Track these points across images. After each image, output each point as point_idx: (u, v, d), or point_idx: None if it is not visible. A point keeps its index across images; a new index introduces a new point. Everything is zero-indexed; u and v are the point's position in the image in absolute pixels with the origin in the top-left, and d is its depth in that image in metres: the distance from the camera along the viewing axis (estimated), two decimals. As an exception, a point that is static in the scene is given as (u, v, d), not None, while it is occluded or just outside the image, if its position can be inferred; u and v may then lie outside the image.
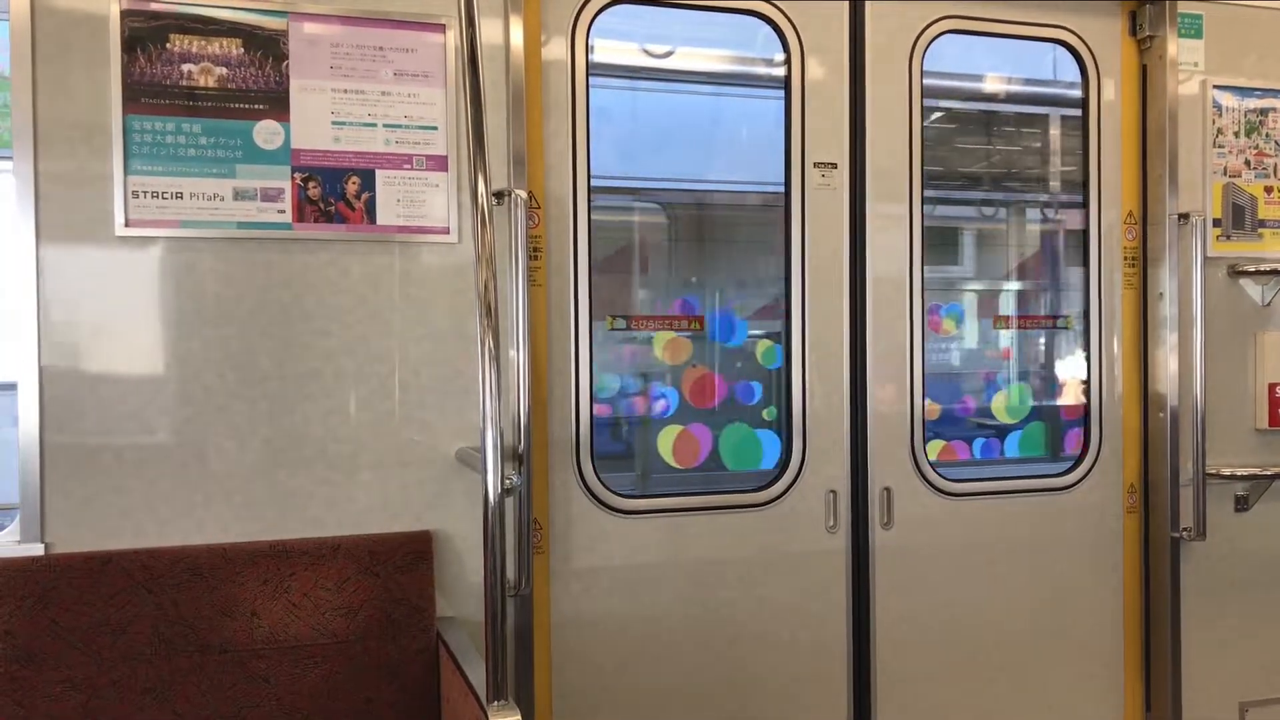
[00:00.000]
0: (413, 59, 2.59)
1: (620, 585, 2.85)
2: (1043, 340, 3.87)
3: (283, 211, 2.49)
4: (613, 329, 3.08)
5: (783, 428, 3.07)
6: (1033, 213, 4.25)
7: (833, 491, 3.04)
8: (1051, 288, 3.98)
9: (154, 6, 2.40)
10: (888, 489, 3.08)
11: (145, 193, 2.40)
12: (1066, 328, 3.52)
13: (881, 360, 3.08)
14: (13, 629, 2.24)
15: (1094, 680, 3.31)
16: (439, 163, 2.61)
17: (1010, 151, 4.24)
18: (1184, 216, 3.24)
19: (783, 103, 3.04)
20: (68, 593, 2.28)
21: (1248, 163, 3.38)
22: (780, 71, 3.05)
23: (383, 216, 2.56)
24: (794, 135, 3.02)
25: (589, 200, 2.82)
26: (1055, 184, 4.08)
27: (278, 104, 2.49)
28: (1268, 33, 3.40)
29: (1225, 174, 3.35)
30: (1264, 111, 3.39)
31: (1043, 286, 4.10)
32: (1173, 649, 3.27)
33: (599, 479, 2.83)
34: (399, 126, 2.58)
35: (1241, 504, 3.38)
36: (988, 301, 4.26)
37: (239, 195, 2.46)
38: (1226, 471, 3.29)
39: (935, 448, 3.40)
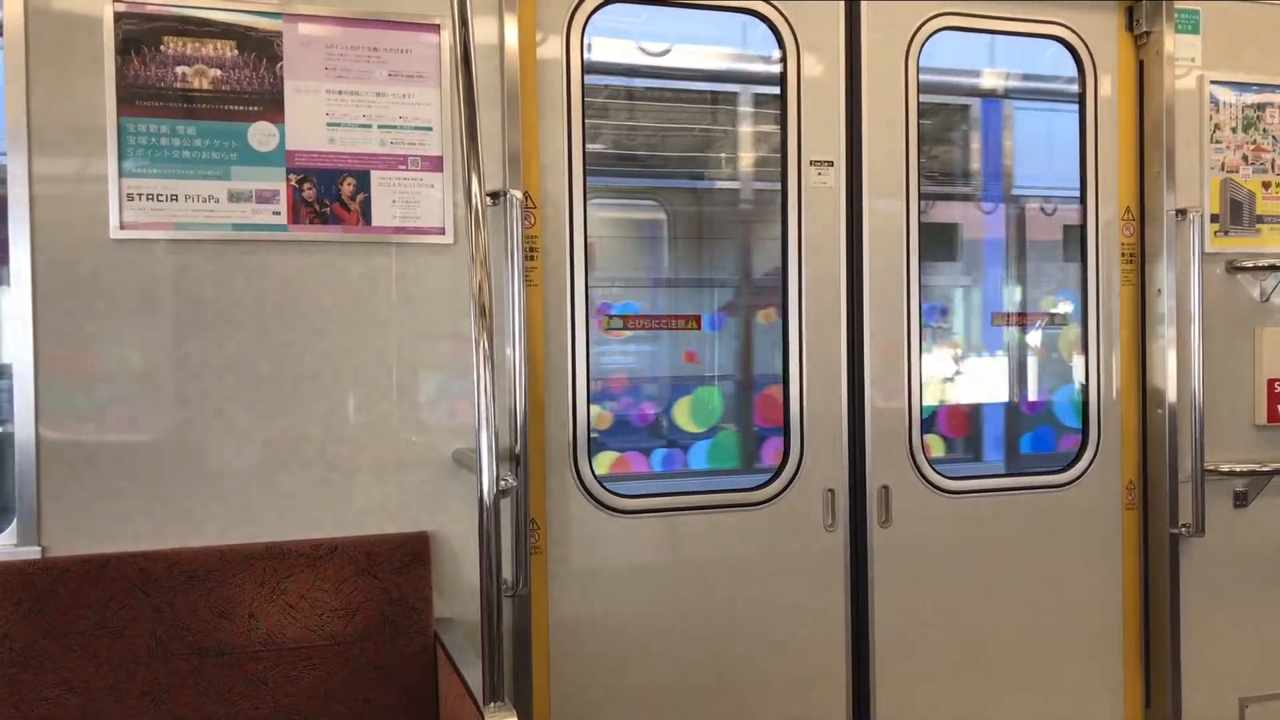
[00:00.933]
0: (407, 59, 2.59)
1: (618, 585, 2.85)
2: (738, 340, 3.75)
3: (278, 213, 2.49)
4: (608, 329, 3.09)
5: (781, 427, 3.07)
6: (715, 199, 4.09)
7: (830, 490, 3.03)
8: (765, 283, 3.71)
9: (148, 9, 2.40)
10: (886, 487, 3.08)
11: (140, 195, 2.40)
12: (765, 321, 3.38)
13: (879, 359, 3.08)
14: (10, 632, 2.24)
15: (1093, 677, 3.31)
16: (434, 163, 2.61)
17: (683, 133, 4.03)
18: (1182, 212, 3.24)
19: (779, 101, 3.04)
20: (65, 596, 2.28)
21: (1245, 158, 3.37)
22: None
23: (378, 217, 2.56)
24: (790, 133, 3.01)
25: (585, 200, 2.82)
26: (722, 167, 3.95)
27: (272, 105, 2.48)
28: (1265, 27, 3.39)
29: (1223, 169, 3.35)
30: (1261, 106, 3.39)
31: (744, 278, 3.93)
32: (1172, 645, 3.27)
33: (596, 479, 2.82)
34: (394, 127, 2.58)
35: (1240, 500, 3.37)
36: (676, 298, 4.11)
37: (234, 197, 2.46)
38: (1225, 467, 3.29)
39: (604, 460, 3.30)
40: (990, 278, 4.26)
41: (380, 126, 2.57)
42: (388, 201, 2.57)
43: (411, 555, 2.52)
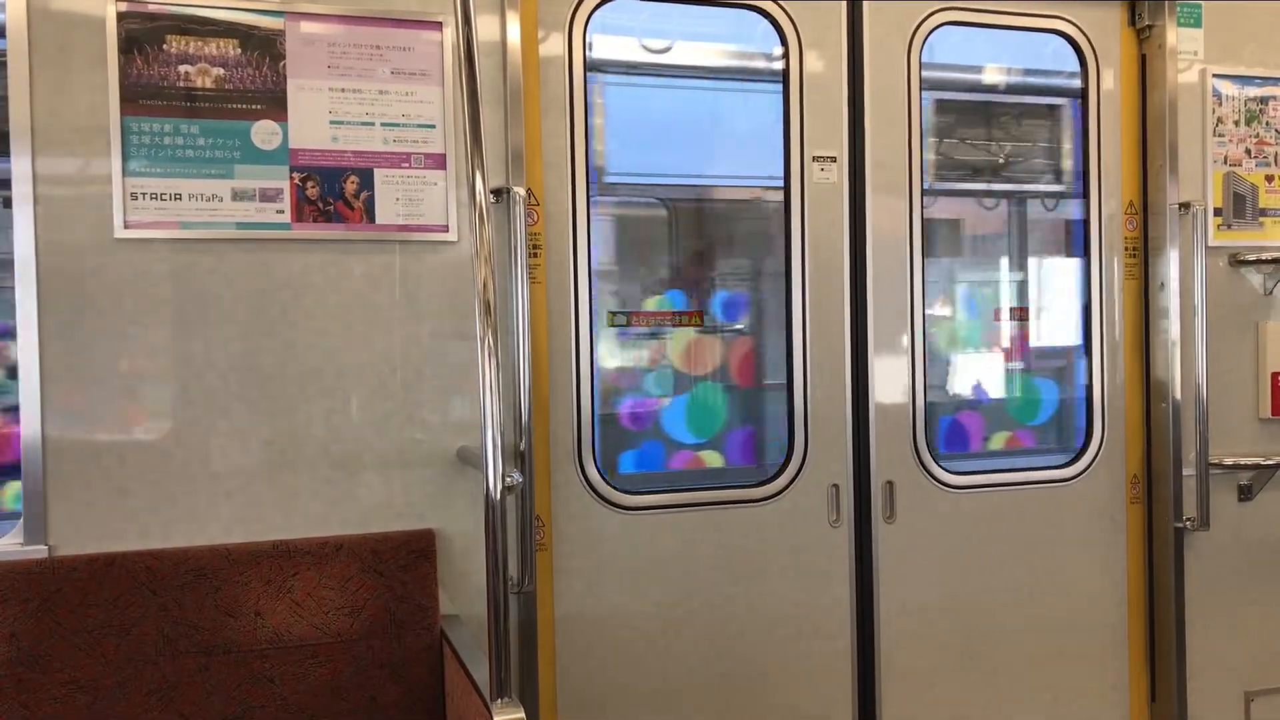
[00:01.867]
0: (410, 57, 2.59)
1: (623, 581, 2.86)
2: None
3: (281, 212, 2.49)
4: (612, 325, 3.09)
5: (785, 422, 3.07)
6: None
7: (835, 485, 3.04)
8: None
9: (150, 8, 2.40)
10: (890, 482, 3.08)
11: (144, 194, 2.40)
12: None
13: (883, 354, 3.08)
14: (17, 632, 2.25)
15: (1098, 671, 3.31)
16: (437, 161, 2.61)
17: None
18: (1185, 206, 3.24)
19: (781, 96, 3.04)
20: (72, 595, 2.28)
21: (1248, 151, 3.37)
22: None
23: (382, 215, 2.56)
24: (793, 128, 3.01)
25: (588, 197, 2.82)
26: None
27: (275, 104, 2.48)
28: (1267, 21, 3.39)
29: (1226, 163, 3.35)
30: (1264, 100, 3.38)
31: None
32: (1177, 639, 3.27)
33: (601, 475, 2.83)
34: (397, 125, 2.58)
35: (1245, 493, 3.37)
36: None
37: (238, 196, 2.46)
38: (1230, 461, 3.29)
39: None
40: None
41: (383, 124, 2.57)
42: (391, 199, 2.57)
43: (417, 553, 2.52)
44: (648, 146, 3.48)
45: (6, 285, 2.37)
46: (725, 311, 3.44)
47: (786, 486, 3.00)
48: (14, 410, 2.38)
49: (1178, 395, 3.23)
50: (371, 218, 2.56)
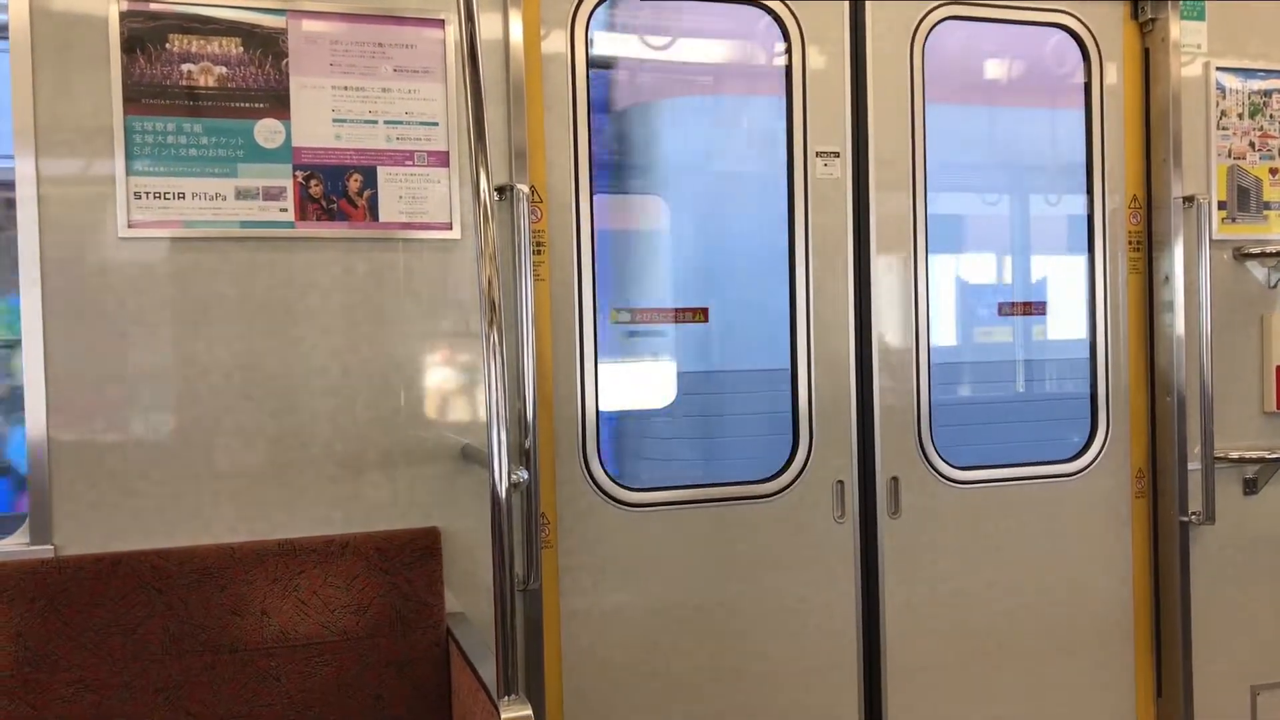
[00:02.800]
0: (412, 55, 2.58)
1: (629, 578, 2.85)
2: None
3: (285, 210, 2.49)
4: (616, 322, 3.09)
5: (790, 418, 3.06)
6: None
7: (840, 481, 3.03)
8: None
9: (153, 7, 2.40)
10: (895, 478, 3.08)
11: (147, 193, 2.40)
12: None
13: (887, 349, 3.08)
14: (23, 631, 2.25)
15: (1104, 665, 3.31)
16: (440, 158, 2.61)
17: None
18: (1189, 199, 3.23)
19: (784, 92, 3.04)
20: (78, 594, 2.28)
21: (1252, 145, 3.36)
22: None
23: (385, 213, 2.56)
24: (796, 124, 3.01)
25: (591, 194, 2.81)
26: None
27: (278, 102, 2.48)
28: (1271, 14, 3.38)
29: (1229, 156, 3.34)
30: (1268, 93, 3.38)
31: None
32: (1183, 633, 3.26)
33: (606, 473, 2.82)
34: (400, 123, 2.58)
35: (1250, 487, 3.37)
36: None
37: (241, 194, 2.46)
38: (1235, 455, 3.28)
39: None
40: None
41: (386, 122, 2.57)
42: (394, 197, 2.57)
43: (422, 551, 2.52)
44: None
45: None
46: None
47: (792, 483, 3.00)
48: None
49: (1182, 389, 3.22)
50: (375, 216, 2.55)
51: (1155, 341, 3.31)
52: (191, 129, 2.43)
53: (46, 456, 2.34)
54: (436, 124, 2.61)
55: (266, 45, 2.47)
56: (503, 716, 1.92)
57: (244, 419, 2.46)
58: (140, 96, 2.39)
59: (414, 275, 2.59)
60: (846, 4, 3.05)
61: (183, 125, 2.42)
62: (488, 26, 2.61)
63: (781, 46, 3.03)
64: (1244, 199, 3.36)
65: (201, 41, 2.43)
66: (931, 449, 3.11)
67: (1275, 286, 3.37)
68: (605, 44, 3.31)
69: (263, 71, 2.47)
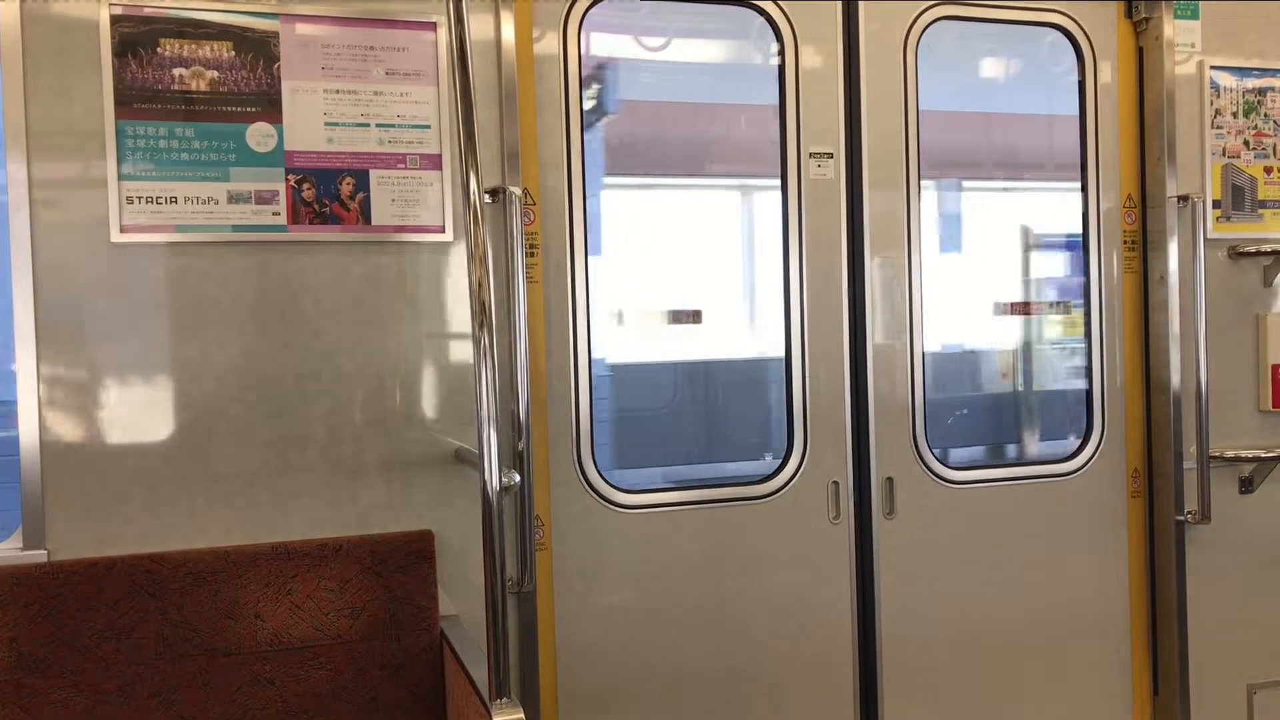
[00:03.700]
0: (404, 58, 2.58)
1: (623, 580, 2.85)
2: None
3: (277, 214, 2.49)
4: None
5: (784, 419, 3.06)
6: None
7: (835, 482, 3.03)
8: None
9: (145, 11, 2.40)
10: (890, 479, 3.08)
11: (140, 198, 2.40)
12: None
13: (881, 349, 3.08)
14: (17, 636, 2.25)
15: (1101, 665, 3.31)
16: (433, 161, 2.61)
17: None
18: (1183, 199, 3.23)
19: (777, 93, 3.04)
20: (71, 599, 2.28)
21: (1247, 143, 3.36)
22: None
23: (378, 216, 2.56)
24: (789, 126, 3.01)
25: (584, 196, 2.81)
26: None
27: (270, 106, 2.48)
28: (1265, 12, 3.38)
29: (1224, 155, 3.34)
30: (1262, 91, 3.37)
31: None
32: (1179, 632, 3.26)
33: (600, 475, 2.82)
34: (392, 126, 2.58)
35: (1246, 486, 3.37)
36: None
37: (233, 198, 2.46)
38: (1230, 453, 3.28)
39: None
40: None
41: (378, 125, 2.57)
42: (387, 200, 2.57)
43: (416, 554, 2.52)
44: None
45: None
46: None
47: (786, 484, 3.00)
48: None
49: (1178, 388, 3.22)
50: (368, 219, 2.55)
51: (1150, 341, 3.31)
52: (183, 133, 2.43)
53: (39, 461, 2.34)
54: (429, 127, 2.61)
55: (258, 49, 2.47)
56: (495, 719, 1.92)
57: (237, 423, 2.46)
58: (132, 101, 2.39)
59: (407, 278, 2.59)
60: (839, 4, 3.05)
61: (175, 129, 2.42)
62: (480, 28, 2.61)
63: (775, 48, 3.03)
64: (1239, 198, 3.36)
65: (193, 45, 2.43)
66: (926, 449, 3.11)
67: (1270, 285, 3.37)
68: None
69: (254, 75, 2.47)
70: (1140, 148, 3.32)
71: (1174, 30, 3.25)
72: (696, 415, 3.90)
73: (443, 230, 2.61)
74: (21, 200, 2.31)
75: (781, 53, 3.01)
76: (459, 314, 2.61)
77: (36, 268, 2.33)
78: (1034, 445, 3.82)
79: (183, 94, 2.42)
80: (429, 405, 2.60)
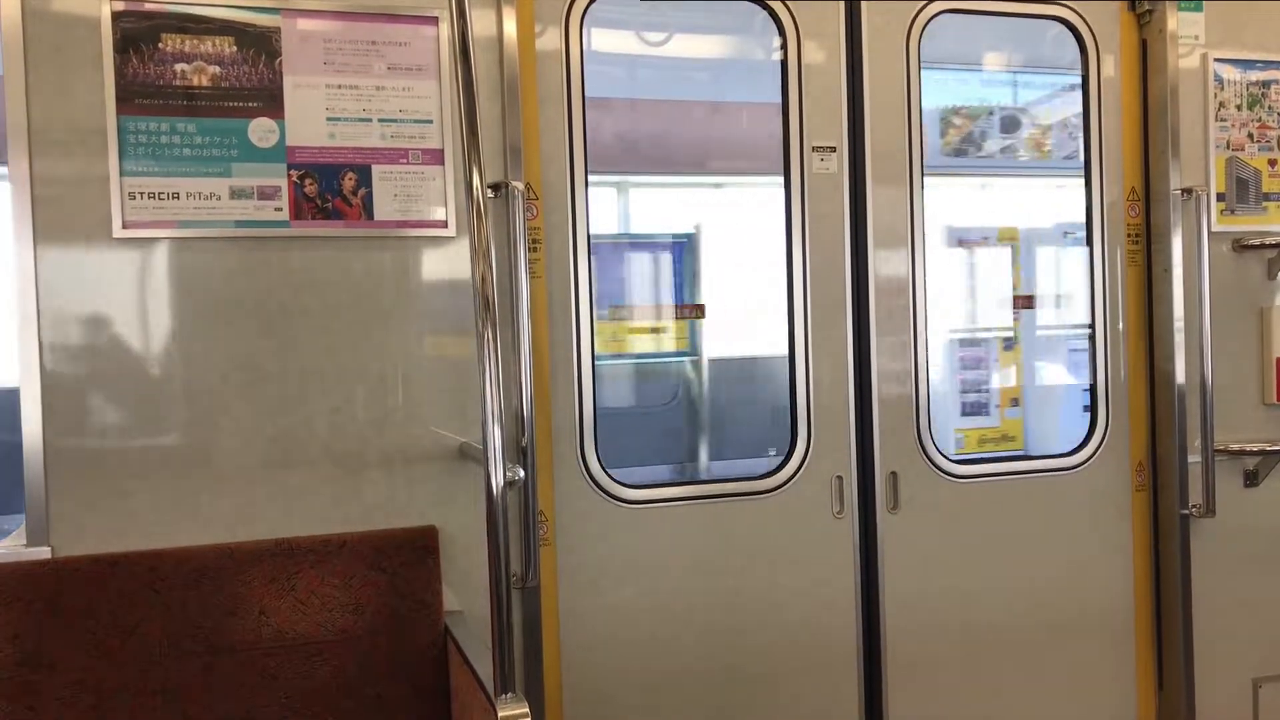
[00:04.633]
0: (406, 52, 2.58)
1: (627, 575, 2.85)
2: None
3: (280, 209, 2.48)
4: (614, 319, 3.08)
5: (788, 414, 3.06)
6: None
7: (839, 476, 3.03)
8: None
9: (146, 7, 2.39)
10: (894, 473, 3.07)
11: (142, 194, 2.39)
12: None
13: (886, 344, 3.07)
14: (21, 633, 2.25)
15: (1106, 659, 3.30)
16: (435, 156, 2.60)
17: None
18: (1187, 191, 3.22)
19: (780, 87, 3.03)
20: (75, 596, 2.28)
21: (1251, 136, 3.35)
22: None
23: (380, 212, 2.56)
24: (792, 119, 3.00)
25: (587, 190, 2.81)
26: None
27: (272, 101, 2.48)
28: (1268, 4, 3.37)
29: (1228, 148, 3.33)
30: (1266, 84, 3.36)
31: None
32: (1184, 627, 3.26)
33: (604, 470, 2.82)
34: (394, 121, 2.57)
35: (1251, 479, 3.36)
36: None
37: (235, 194, 2.46)
38: (1235, 447, 3.28)
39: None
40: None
41: (380, 120, 2.56)
42: (389, 195, 2.56)
43: (420, 549, 2.52)
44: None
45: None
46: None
47: (790, 478, 2.99)
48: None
49: (1182, 382, 3.22)
50: (370, 214, 2.55)
51: (1155, 334, 3.30)
52: (185, 129, 2.42)
53: (43, 458, 2.33)
54: (431, 121, 2.60)
55: (260, 44, 2.47)
56: (500, 715, 1.91)
57: (240, 419, 2.46)
58: (133, 96, 2.38)
59: (409, 273, 2.58)
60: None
61: (176, 125, 2.41)
62: (482, 23, 2.61)
63: (778, 42, 3.03)
64: (1243, 190, 3.35)
65: (195, 41, 2.43)
66: (930, 444, 3.11)
67: (1275, 278, 3.36)
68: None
69: (256, 70, 2.46)
70: (1144, 141, 3.31)
71: (1177, 23, 3.24)
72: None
73: (445, 225, 2.60)
74: (23, 196, 2.31)
75: (784, 47, 3.01)
76: (462, 309, 2.61)
77: (39, 263, 2.32)
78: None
79: (184, 89, 2.42)
80: (432, 400, 2.60)
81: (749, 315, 3.73)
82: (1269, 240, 3.31)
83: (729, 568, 2.94)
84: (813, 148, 3.01)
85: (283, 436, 2.49)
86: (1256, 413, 3.37)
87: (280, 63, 2.48)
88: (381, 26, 2.56)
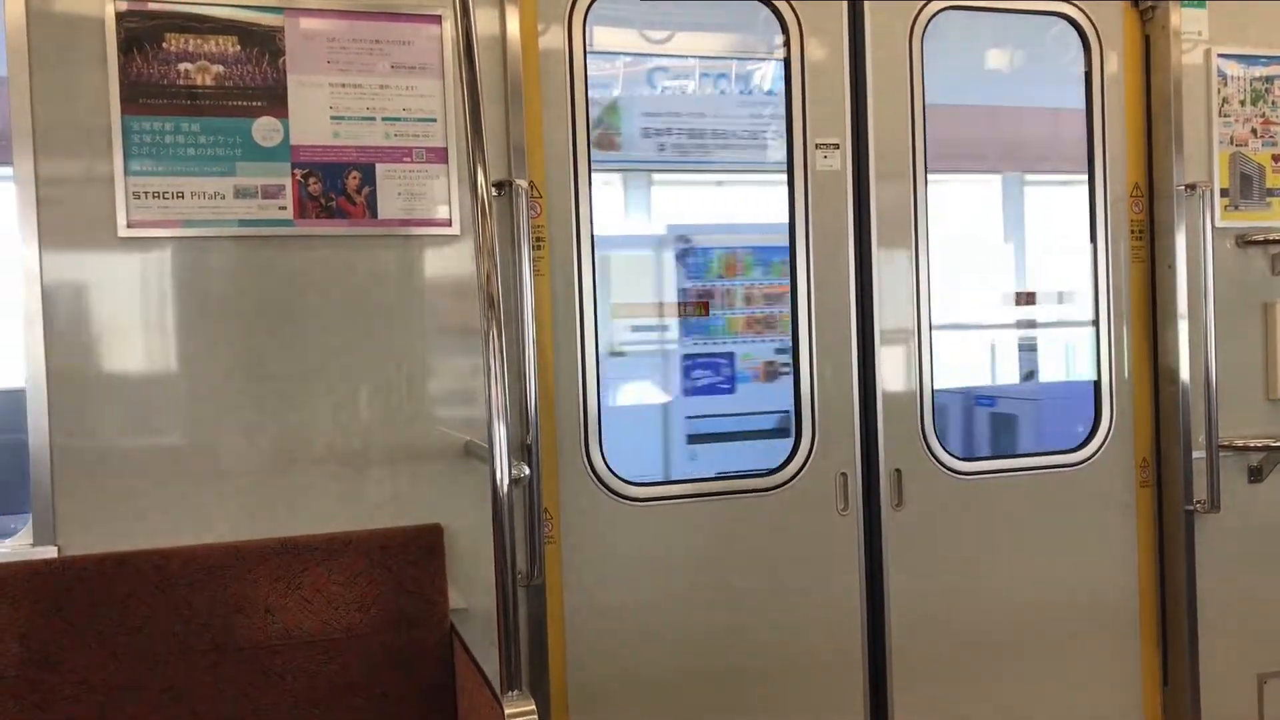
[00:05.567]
0: (409, 51, 2.58)
1: (632, 572, 2.85)
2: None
3: (284, 208, 2.49)
4: (617, 317, 3.08)
5: (792, 411, 3.06)
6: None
7: (843, 474, 3.03)
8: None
9: (150, 6, 2.40)
10: (898, 470, 3.07)
11: (146, 193, 2.40)
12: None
13: (890, 341, 3.07)
14: (28, 632, 2.25)
15: (1111, 655, 3.30)
16: (439, 155, 2.60)
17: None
18: (1191, 187, 3.22)
19: (783, 84, 3.03)
20: (82, 595, 2.28)
21: (1254, 131, 3.35)
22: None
23: (384, 210, 2.56)
24: (795, 116, 3.00)
25: (590, 188, 2.81)
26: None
27: (276, 100, 2.48)
28: (1271, 1, 3.36)
29: (1232, 143, 3.33)
30: (1270, 79, 3.36)
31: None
32: (1189, 623, 3.26)
33: (608, 467, 2.82)
34: (398, 120, 2.57)
35: (1255, 475, 3.36)
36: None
37: (240, 193, 2.46)
38: (1239, 442, 3.27)
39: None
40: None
41: (384, 119, 2.56)
42: (393, 194, 2.57)
43: (425, 547, 2.52)
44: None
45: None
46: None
47: (795, 475, 2.99)
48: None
49: (1186, 377, 3.21)
50: (374, 213, 2.55)
51: (1159, 330, 3.30)
52: (189, 128, 2.42)
53: (49, 457, 2.34)
54: (434, 120, 2.60)
55: (264, 43, 2.47)
56: (506, 712, 1.92)
57: (246, 417, 2.46)
58: (138, 96, 2.38)
59: (414, 272, 2.58)
60: (845, -3, 3.04)
61: (180, 124, 2.42)
62: (485, 22, 2.61)
63: (780, 39, 3.03)
64: (1247, 186, 3.35)
65: (198, 40, 2.43)
66: (935, 441, 3.11)
67: (1279, 273, 3.36)
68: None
69: (260, 70, 2.47)
70: (1147, 137, 3.31)
71: (1180, 19, 3.24)
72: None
73: (449, 224, 2.60)
74: (29, 196, 2.31)
75: (787, 44, 3.01)
76: (466, 307, 2.61)
77: (43, 263, 2.33)
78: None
79: (188, 89, 2.42)
80: (436, 399, 2.60)
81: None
82: (1273, 236, 3.30)
83: (733, 565, 2.94)
84: (816, 145, 3.01)
85: (288, 435, 2.49)
86: (1261, 408, 3.36)
87: (284, 62, 2.48)
88: (385, 25, 2.56)
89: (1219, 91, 3.31)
